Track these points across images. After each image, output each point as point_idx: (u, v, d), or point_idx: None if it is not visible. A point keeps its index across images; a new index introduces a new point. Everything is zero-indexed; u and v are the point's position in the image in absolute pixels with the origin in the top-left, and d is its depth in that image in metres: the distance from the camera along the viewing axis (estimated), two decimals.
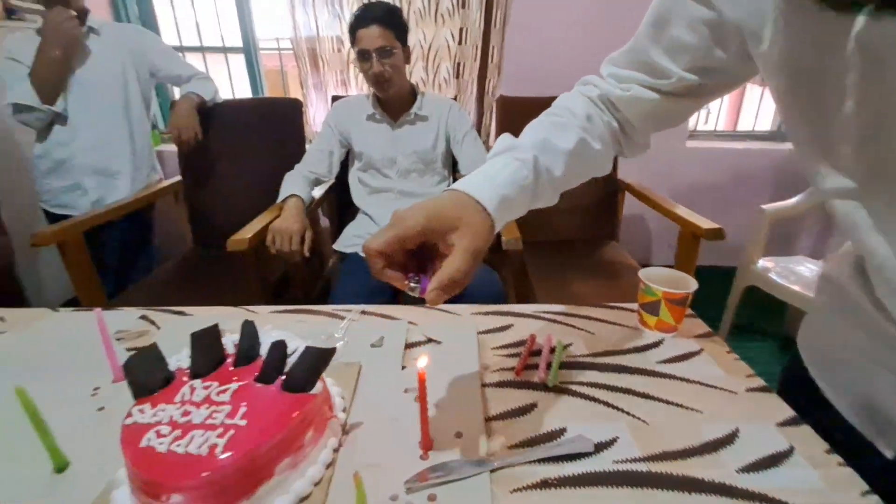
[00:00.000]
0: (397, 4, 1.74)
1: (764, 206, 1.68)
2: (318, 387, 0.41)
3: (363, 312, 0.67)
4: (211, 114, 1.52)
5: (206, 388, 0.40)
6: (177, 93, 2.00)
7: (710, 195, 2.24)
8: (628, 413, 0.48)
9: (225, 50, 2.23)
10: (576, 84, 0.53)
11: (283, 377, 0.41)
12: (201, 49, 2.21)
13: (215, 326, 0.44)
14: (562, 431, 0.45)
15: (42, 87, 1.24)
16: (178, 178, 1.60)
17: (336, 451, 0.42)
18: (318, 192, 1.43)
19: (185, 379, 0.41)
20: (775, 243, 1.74)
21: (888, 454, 0.40)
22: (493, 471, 0.40)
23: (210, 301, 0.71)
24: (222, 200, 1.58)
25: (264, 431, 0.36)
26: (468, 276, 0.37)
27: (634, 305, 0.66)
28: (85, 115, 1.33)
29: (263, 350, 0.44)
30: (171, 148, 1.60)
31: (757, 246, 1.68)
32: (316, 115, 2.10)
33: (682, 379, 0.53)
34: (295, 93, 2.07)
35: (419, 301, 0.40)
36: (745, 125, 2.34)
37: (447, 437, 0.44)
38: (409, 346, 0.59)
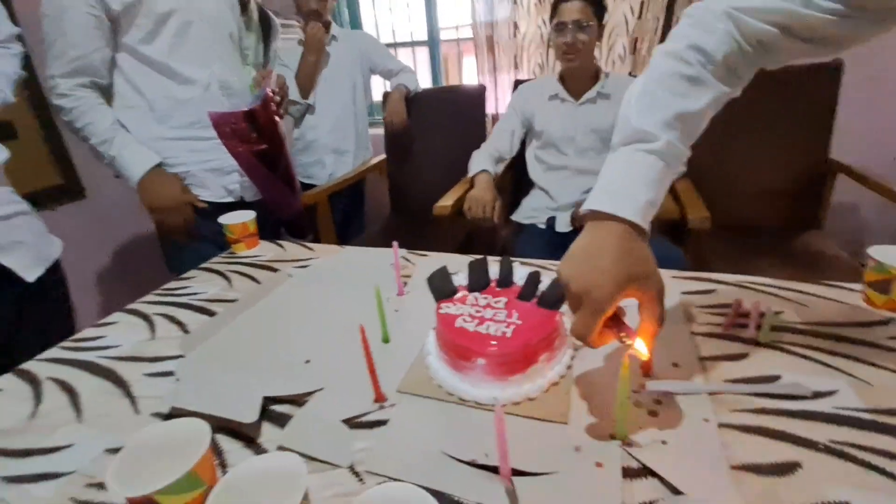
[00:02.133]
0: None
1: None
2: (562, 308, 0.54)
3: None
4: (412, 102, 1.78)
5: (485, 298, 0.56)
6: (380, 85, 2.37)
7: None
8: (848, 373, 0.50)
9: (413, 44, 2.54)
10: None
11: (537, 297, 0.55)
12: (394, 45, 2.55)
13: (485, 258, 0.60)
14: (776, 378, 0.50)
15: (303, 86, 1.64)
16: (383, 156, 1.92)
17: (573, 357, 0.55)
18: (499, 169, 1.59)
19: (464, 293, 0.58)
20: None
21: None
22: (711, 393, 0.48)
23: None
24: (417, 175, 1.87)
25: (534, 329, 0.50)
26: (664, 315, 0.43)
27: (856, 286, 0.65)
28: (327, 105, 1.71)
29: (515, 278, 0.59)
30: (378, 130, 1.94)
31: None
32: (493, 99, 2.26)
33: None
34: (466, 78, 2.24)
35: None
36: None
37: (664, 365, 0.53)
38: None
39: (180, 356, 0.62)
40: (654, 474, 0.40)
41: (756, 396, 0.48)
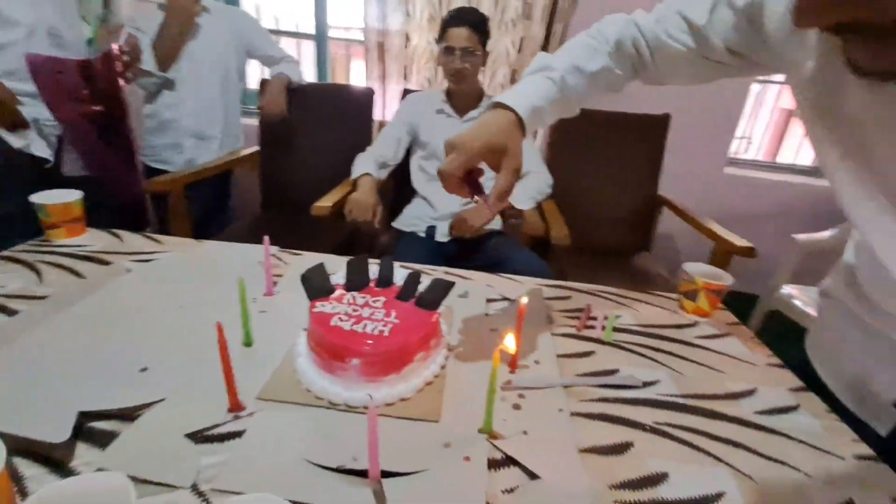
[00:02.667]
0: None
1: (796, 236, 1.77)
2: (440, 309, 0.55)
3: (446, 273, 0.81)
4: (294, 94, 1.68)
5: (363, 297, 0.54)
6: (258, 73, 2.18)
7: (743, 222, 2.30)
8: (667, 366, 0.60)
9: (298, 35, 2.41)
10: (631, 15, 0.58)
11: (416, 298, 0.55)
12: (277, 33, 2.39)
13: (365, 257, 0.58)
14: (615, 371, 0.58)
15: (161, 57, 1.42)
16: (256, 148, 1.77)
17: (447, 357, 0.56)
18: (383, 174, 1.58)
19: (342, 291, 0.55)
20: (802, 274, 1.82)
21: (882, 432, 0.51)
22: (565, 386, 0.53)
23: None
24: (293, 173, 1.75)
25: (411, 329, 0.50)
26: (513, 188, 0.50)
27: (673, 295, 0.78)
28: (191, 83, 1.51)
29: (395, 278, 0.58)
30: (251, 120, 1.78)
31: (785, 272, 1.77)
32: (381, 105, 2.25)
33: (712, 350, 0.65)
34: (354, 81, 2.21)
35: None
36: (786, 157, 2.41)
37: (529, 361, 0.57)
38: (488, 300, 0.72)
39: None
40: (516, 463, 0.42)
41: (599, 388, 0.54)
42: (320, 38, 2.36)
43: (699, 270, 0.73)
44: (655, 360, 0.61)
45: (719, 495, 0.41)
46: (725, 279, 0.71)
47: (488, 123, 0.50)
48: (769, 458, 0.46)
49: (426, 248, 1.40)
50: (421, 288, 0.56)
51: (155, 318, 0.59)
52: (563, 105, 0.56)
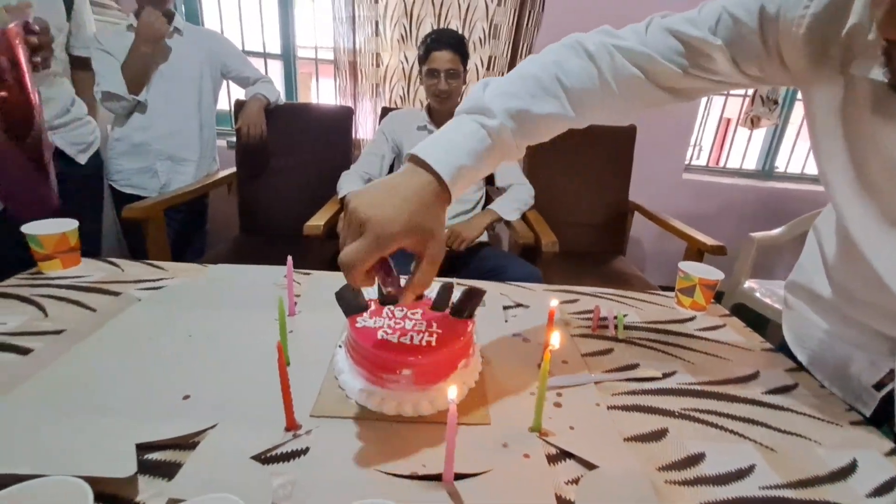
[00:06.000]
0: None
1: (753, 234, 1.92)
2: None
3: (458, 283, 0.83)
4: (271, 115, 1.67)
5: (400, 310, 0.55)
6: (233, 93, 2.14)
7: (701, 223, 2.49)
8: (679, 357, 0.65)
9: (265, 55, 2.39)
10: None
11: (450, 308, 0.57)
12: (244, 53, 2.36)
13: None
14: (636, 365, 0.62)
15: (131, 79, 1.38)
16: (233, 170, 1.73)
17: (482, 364, 0.58)
18: None
19: (375, 306, 0.57)
20: (758, 269, 1.97)
21: (867, 413, 0.57)
22: (596, 383, 0.57)
23: None
24: (273, 193, 1.73)
25: (455, 337, 0.52)
26: (431, 281, 0.44)
27: (667, 293, 0.84)
28: (163, 106, 1.47)
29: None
30: (221, 141, 1.74)
31: (745, 268, 1.91)
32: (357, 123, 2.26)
33: (713, 340, 0.71)
34: (323, 99, 2.20)
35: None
36: (732, 163, 2.61)
37: (556, 362, 0.60)
38: (504, 307, 0.75)
39: None
40: (570, 456, 0.45)
41: (626, 381, 0.58)
42: (288, 58, 2.36)
43: (694, 268, 0.79)
44: (668, 353, 0.66)
45: (751, 467, 0.46)
46: (717, 274, 0.78)
47: (407, 197, 0.40)
48: (783, 431, 0.52)
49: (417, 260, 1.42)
50: (453, 298, 0.58)
51: (181, 344, 0.58)
52: (499, 154, 0.47)
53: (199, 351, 0.57)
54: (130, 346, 0.57)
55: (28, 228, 0.72)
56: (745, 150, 2.58)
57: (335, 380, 0.53)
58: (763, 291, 1.83)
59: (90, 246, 1.46)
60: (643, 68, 0.48)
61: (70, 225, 0.75)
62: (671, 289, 0.84)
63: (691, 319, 0.77)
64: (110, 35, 1.42)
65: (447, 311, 0.57)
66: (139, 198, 1.42)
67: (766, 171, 2.60)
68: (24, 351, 0.54)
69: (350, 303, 0.56)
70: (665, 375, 0.60)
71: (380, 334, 0.50)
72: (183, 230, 1.60)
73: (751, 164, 2.61)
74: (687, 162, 2.53)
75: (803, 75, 0.45)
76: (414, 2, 2.05)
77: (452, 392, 0.35)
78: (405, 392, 0.48)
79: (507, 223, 1.52)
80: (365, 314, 0.54)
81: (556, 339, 0.46)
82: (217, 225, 1.80)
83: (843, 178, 0.47)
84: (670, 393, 0.57)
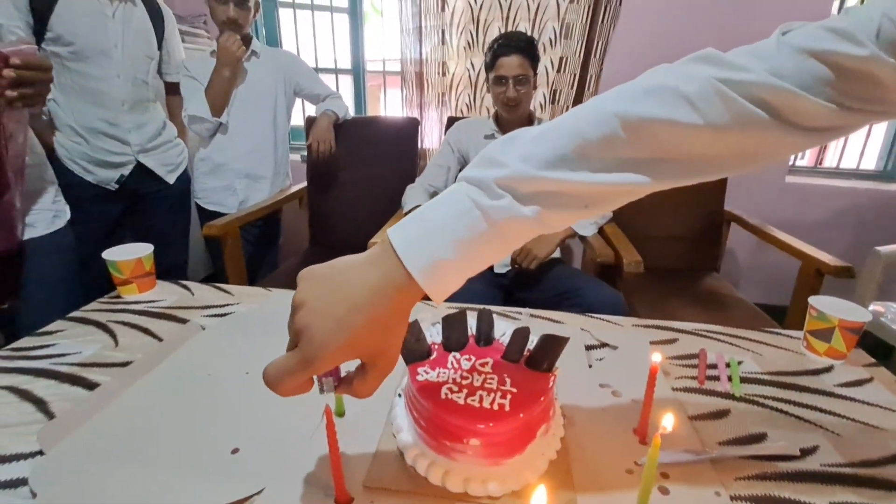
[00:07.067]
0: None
1: (879, 249, 1.61)
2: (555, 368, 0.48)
3: (531, 315, 0.74)
4: (339, 129, 1.68)
5: (467, 359, 0.48)
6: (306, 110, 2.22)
7: (810, 234, 2.16)
8: (821, 426, 0.51)
9: (337, 71, 2.45)
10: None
11: (526, 357, 0.48)
12: (316, 70, 2.44)
13: (464, 312, 0.52)
14: (763, 436, 0.49)
15: (213, 102, 1.45)
16: (304, 184, 1.77)
17: (564, 426, 0.49)
18: None
19: (438, 352, 0.50)
20: (886, 289, 1.65)
21: None
22: (712, 461, 0.45)
23: None
24: (341, 207, 1.74)
25: (533, 398, 0.43)
26: (374, 391, 0.36)
27: (796, 332, 0.69)
28: (242, 126, 1.53)
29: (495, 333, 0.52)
30: (294, 156, 1.79)
31: (869, 288, 1.61)
32: (423, 133, 2.24)
33: (860, 401, 0.56)
34: (390, 110, 2.20)
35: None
36: (847, 163, 2.25)
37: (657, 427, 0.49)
38: (587, 347, 0.65)
39: (37, 454, 0.44)
40: None
41: (752, 459, 0.46)
42: (358, 72, 2.40)
43: (830, 305, 0.63)
44: (801, 418, 0.52)
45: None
46: (863, 315, 0.62)
47: (358, 305, 0.32)
48: None
49: (482, 279, 1.34)
50: (530, 345, 0.50)
51: (236, 384, 0.55)
52: (508, 240, 0.34)
53: (253, 392, 0.53)
54: (188, 385, 0.55)
55: (108, 255, 0.74)
56: (864, 148, 2.20)
57: (393, 438, 0.46)
58: (891, 316, 1.53)
59: (179, 258, 1.56)
60: (774, 109, 0.32)
61: (145, 250, 0.77)
62: (776, 311, 0.68)
63: (827, 371, 0.62)
64: (196, 60, 1.51)
65: (522, 361, 0.48)
66: (221, 214, 1.48)
67: (889, 171, 2.20)
68: (92, 385, 0.54)
69: (410, 348, 0.49)
70: (803, 453, 0.47)
71: (444, 392, 0.43)
72: (258, 244, 1.65)
73: (869, 163, 2.23)
74: (791, 163, 2.22)
75: None
76: (481, 7, 1.98)
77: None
78: (474, 465, 0.41)
79: (582, 238, 1.40)
80: (426, 364, 0.47)
81: (669, 421, 0.36)
82: (289, 238, 1.85)
83: None
84: (813, 479, 0.44)
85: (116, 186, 1.37)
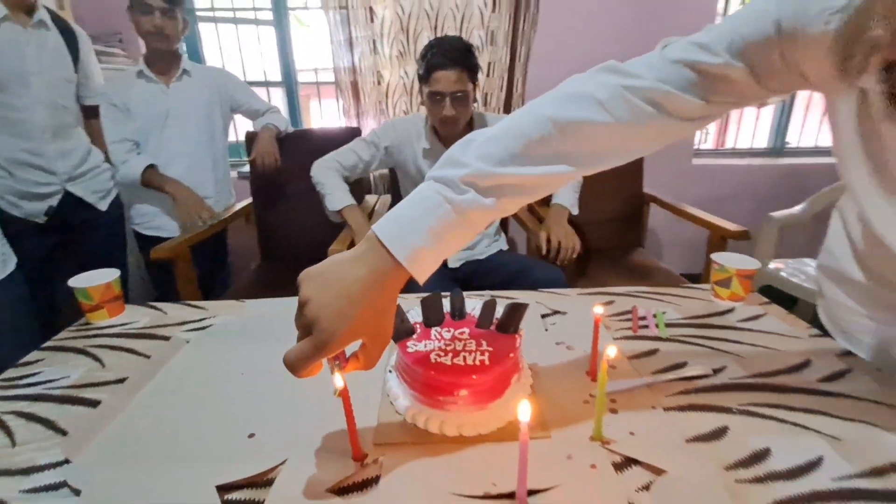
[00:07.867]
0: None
1: (773, 214, 1.89)
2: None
3: (492, 295, 0.84)
4: (282, 143, 1.69)
5: (447, 331, 0.56)
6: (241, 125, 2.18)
7: (716, 207, 2.47)
8: (726, 351, 0.65)
9: (267, 84, 2.43)
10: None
11: (494, 324, 0.58)
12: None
13: (438, 294, 0.61)
14: (684, 363, 0.62)
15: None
16: (249, 200, 1.76)
17: (532, 377, 0.58)
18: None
19: (421, 329, 0.58)
20: (779, 248, 1.94)
21: None
22: (648, 385, 0.57)
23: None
24: (289, 220, 1.75)
25: (505, 353, 0.52)
26: (376, 363, 0.43)
27: (703, 286, 0.84)
28: (178, 147, 1.51)
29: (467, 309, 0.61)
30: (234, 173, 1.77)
31: (768, 250, 1.89)
32: None
33: (758, 331, 0.71)
34: (326, 121, 2.21)
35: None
36: (742, 143, 2.59)
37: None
38: (542, 315, 0.76)
39: (64, 462, 0.46)
40: (636, 462, 0.45)
41: (677, 381, 0.58)
42: (289, 84, 2.40)
43: (728, 258, 0.78)
44: (714, 349, 0.66)
45: (820, 459, 0.45)
46: (753, 264, 0.77)
47: (356, 299, 0.39)
48: (845, 419, 0.51)
49: (437, 274, 1.42)
50: (496, 314, 0.59)
51: (237, 383, 0.60)
52: (472, 226, 0.43)
53: (254, 388, 0.58)
54: (189, 389, 0.59)
55: (74, 282, 0.74)
56: (755, 129, 2.55)
57: (391, 405, 0.54)
58: (790, 271, 1.81)
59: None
60: (661, 106, 0.44)
61: (113, 274, 0.77)
62: (694, 276, 0.84)
63: (731, 311, 0.77)
64: (119, 84, 1.46)
65: (492, 327, 0.58)
66: (162, 239, 1.44)
67: (778, 147, 2.57)
68: (93, 403, 0.56)
69: (397, 328, 0.57)
70: (715, 371, 0.60)
71: (433, 357, 0.51)
72: (208, 265, 1.63)
73: (761, 142, 2.59)
74: (696, 146, 2.51)
75: (823, 86, 0.45)
76: (409, 16, 2.07)
77: (524, 414, 0.36)
78: (463, 412, 0.49)
79: (523, 225, 1.52)
80: (413, 339, 0.55)
81: (612, 351, 0.47)
82: (238, 256, 1.83)
83: (863, 179, 0.47)
84: (724, 389, 0.57)
85: (45, 218, 1.30)
